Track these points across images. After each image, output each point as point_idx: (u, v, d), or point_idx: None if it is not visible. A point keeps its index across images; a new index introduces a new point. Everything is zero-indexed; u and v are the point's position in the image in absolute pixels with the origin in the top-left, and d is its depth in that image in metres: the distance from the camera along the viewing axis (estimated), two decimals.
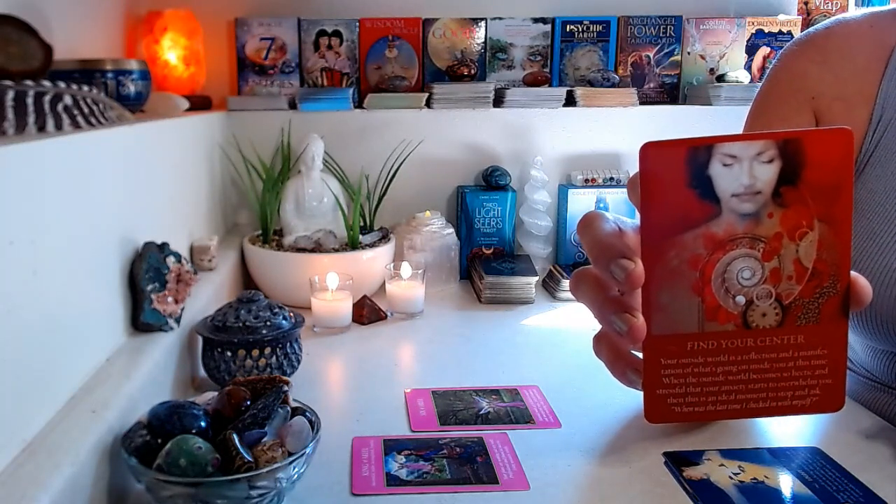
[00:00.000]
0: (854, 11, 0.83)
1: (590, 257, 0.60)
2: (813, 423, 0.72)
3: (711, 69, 1.52)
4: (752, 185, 0.57)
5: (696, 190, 0.57)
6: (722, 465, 0.63)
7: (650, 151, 0.57)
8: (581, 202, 1.36)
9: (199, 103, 1.28)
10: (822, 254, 0.58)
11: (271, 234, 1.22)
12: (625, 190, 0.64)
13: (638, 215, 0.59)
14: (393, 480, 0.62)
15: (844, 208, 0.58)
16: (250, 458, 0.53)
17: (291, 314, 0.86)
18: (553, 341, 1.00)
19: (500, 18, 1.48)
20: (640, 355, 0.62)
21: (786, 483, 0.60)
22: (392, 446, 0.68)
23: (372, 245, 1.20)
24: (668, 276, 0.59)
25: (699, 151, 0.57)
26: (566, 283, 1.18)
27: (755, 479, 0.61)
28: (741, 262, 0.59)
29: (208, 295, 0.93)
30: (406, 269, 1.12)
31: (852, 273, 0.59)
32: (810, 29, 0.83)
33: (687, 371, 0.61)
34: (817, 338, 0.60)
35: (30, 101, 0.59)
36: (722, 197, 0.58)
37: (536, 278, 1.19)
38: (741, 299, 0.60)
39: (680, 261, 0.59)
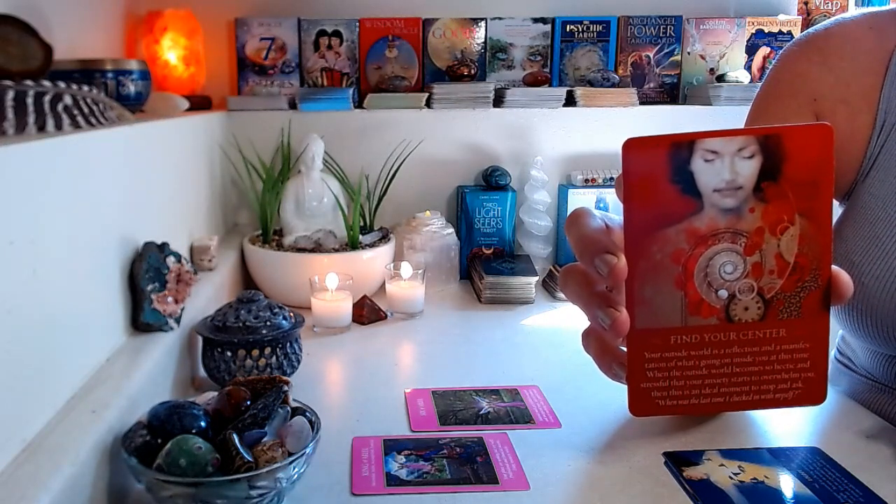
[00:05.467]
0: (853, 12, 0.82)
1: (575, 253, 0.61)
2: (813, 423, 0.72)
3: (711, 69, 1.52)
4: (734, 181, 0.58)
5: (678, 185, 0.58)
6: (722, 464, 0.63)
7: (633, 147, 0.57)
8: (581, 202, 1.36)
9: (199, 103, 1.28)
10: (803, 248, 0.59)
11: (271, 234, 1.22)
12: None
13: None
14: (393, 480, 0.62)
15: (825, 203, 0.58)
16: (250, 458, 0.53)
17: (291, 314, 0.86)
18: (553, 341, 1.00)
19: (500, 18, 1.48)
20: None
21: (786, 483, 0.60)
22: (392, 446, 0.68)
23: (372, 245, 1.20)
24: (651, 270, 0.59)
25: (681, 147, 0.57)
26: None
27: (755, 479, 0.61)
28: (723, 256, 0.60)
29: (208, 295, 0.93)
30: (406, 269, 1.12)
31: (834, 267, 0.60)
32: (809, 30, 0.83)
33: (670, 364, 0.62)
34: (799, 331, 0.61)
35: (30, 101, 0.59)
36: (704, 192, 0.58)
37: (536, 278, 1.19)
38: (723, 293, 0.60)
39: (663, 255, 0.59)
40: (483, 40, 1.48)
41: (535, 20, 1.48)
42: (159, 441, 0.55)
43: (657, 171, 0.58)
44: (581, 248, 0.60)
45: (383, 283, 1.15)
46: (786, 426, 0.70)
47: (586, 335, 0.65)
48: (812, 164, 0.58)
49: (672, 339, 0.61)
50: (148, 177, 0.84)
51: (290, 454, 0.56)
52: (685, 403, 0.63)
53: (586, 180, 1.36)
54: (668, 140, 0.57)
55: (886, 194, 0.73)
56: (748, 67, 1.52)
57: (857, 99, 0.76)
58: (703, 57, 1.52)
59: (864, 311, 0.72)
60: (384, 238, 1.24)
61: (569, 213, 0.63)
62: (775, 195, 0.58)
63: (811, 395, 0.63)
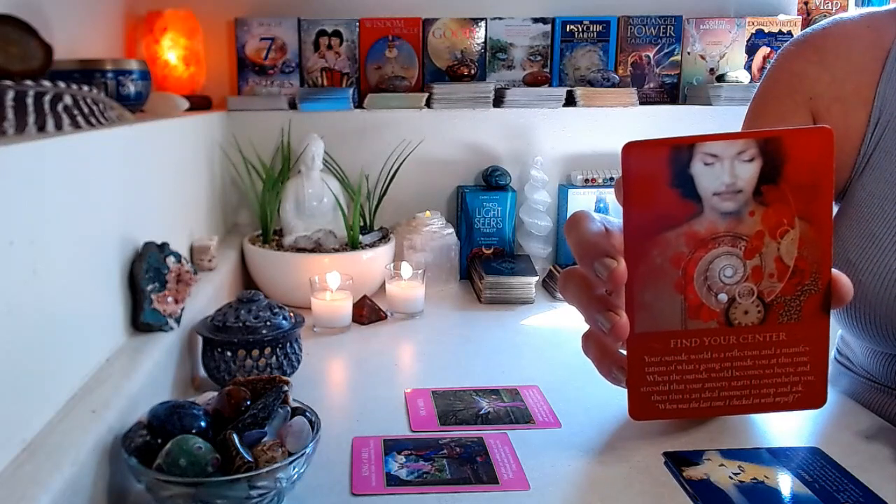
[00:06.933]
0: (852, 12, 0.83)
1: (575, 256, 0.60)
2: (813, 423, 0.72)
3: (711, 69, 1.52)
4: (734, 184, 0.58)
5: (678, 189, 0.58)
6: (722, 465, 0.63)
7: (632, 151, 0.57)
8: (581, 202, 1.36)
9: (199, 103, 1.28)
10: (803, 251, 0.59)
11: (271, 234, 1.22)
12: None
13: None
14: (393, 480, 0.62)
15: (825, 206, 0.58)
16: (250, 458, 0.53)
17: (291, 314, 0.86)
18: (553, 341, 1.00)
19: (500, 18, 1.48)
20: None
21: (786, 483, 0.60)
22: (392, 446, 0.68)
23: (372, 245, 1.20)
24: (651, 274, 0.59)
25: (681, 151, 0.57)
26: None
27: (755, 479, 0.61)
28: (723, 260, 0.59)
29: (208, 295, 0.93)
30: (406, 269, 1.12)
31: (833, 271, 0.60)
32: (807, 29, 0.83)
33: (670, 368, 0.62)
34: (799, 335, 0.61)
35: (30, 101, 0.59)
36: (704, 196, 0.58)
37: (536, 278, 1.19)
38: (723, 297, 0.60)
39: (663, 259, 0.59)
40: (483, 40, 1.48)
41: (535, 20, 1.48)
42: (159, 441, 0.55)
43: (657, 175, 0.58)
44: (581, 251, 0.59)
45: (383, 283, 1.15)
46: (786, 426, 0.70)
47: (586, 338, 0.65)
48: (812, 167, 0.57)
49: (672, 343, 0.61)
50: (148, 177, 0.84)
51: (290, 454, 0.56)
52: (685, 407, 0.63)
53: (586, 180, 1.36)
54: (667, 143, 0.57)
55: (882, 191, 0.73)
56: (748, 67, 1.52)
57: (852, 97, 0.76)
58: (703, 57, 1.51)
59: (861, 309, 0.72)
60: (384, 238, 1.24)
61: (568, 217, 0.63)
62: (775, 198, 0.58)
63: (811, 398, 0.63)
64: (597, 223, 0.61)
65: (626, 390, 0.63)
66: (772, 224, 0.59)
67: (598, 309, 0.59)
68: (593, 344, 0.64)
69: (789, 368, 0.62)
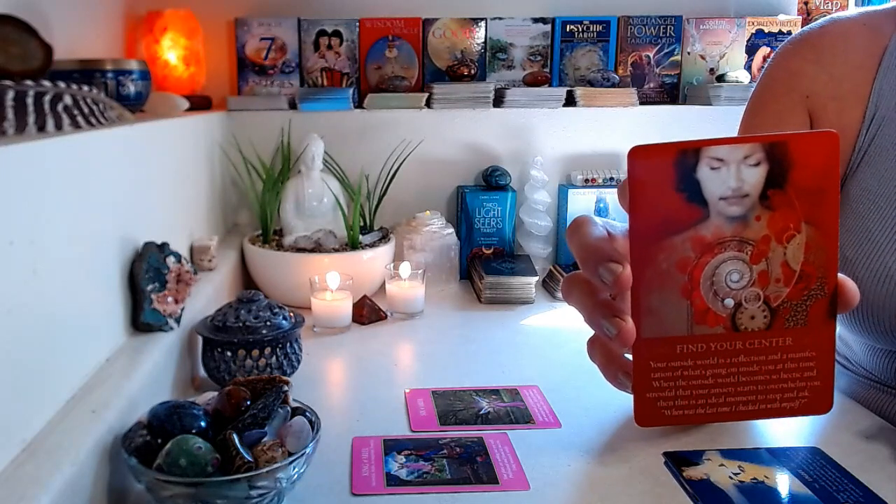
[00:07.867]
0: (849, 11, 0.83)
1: (578, 262, 0.60)
2: (813, 423, 0.72)
3: (711, 69, 1.52)
4: (740, 188, 0.58)
5: (683, 193, 0.58)
6: (722, 465, 0.63)
7: (638, 155, 0.57)
8: (581, 202, 1.36)
9: (199, 103, 1.28)
10: (809, 256, 0.59)
11: (271, 234, 1.22)
12: None
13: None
14: (393, 480, 0.62)
15: (831, 211, 0.58)
16: (250, 458, 0.53)
17: (291, 314, 0.86)
18: (553, 341, 1.00)
19: (500, 18, 1.48)
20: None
21: (786, 483, 0.60)
22: (392, 446, 0.68)
23: (372, 245, 1.20)
24: (657, 279, 0.59)
25: (687, 155, 0.57)
26: None
27: (755, 479, 0.61)
28: (729, 264, 0.59)
29: (208, 295, 0.93)
30: (406, 269, 1.12)
31: (840, 275, 0.59)
32: (804, 28, 0.83)
33: (676, 374, 0.61)
34: (805, 340, 0.61)
35: (30, 101, 0.59)
36: (710, 200, 0.58)
37: (536, 278, 1.19)
38: (730, 302, 0.60)
39: (669, 264, 0.59)
40: (483, 40, 1.48)
41: (535, 20, 1.48)
42: (159, 441, 0.55)
43: (663, 179, 0.57)
44: (584, 256, 0.59)
45: (383, 283, 1.15)
46: (786, 426, 0.70)
47: (591, 344, 0.64)
48: (818, 171, 0.57)
49: (678, 349, 0.61)
50: (148, 177, 0.84)
51: (290, 454, 0.56)
52: (691, 413, 0.62)
53: (586, 180, 1.36)
54: (673, 148, 0.57)
55: (877, 188, 0.73)
56: (748, 67, 1.52)
57: (848, 94, 0.77)
58: (703, 57, 1.52)
59: (860, 306, 0.72)
60: (384, 238, 1.24)
61: (570, 222, 0.62)
62: (781, 203, 0.58)
63: (817, 404, 0.62)
64: (599, 228, 0.60)
65: (630, 394, 0.63)
66: (778, 229, 0.58)
67: (603, 314, 0.58)
68: (599, 349, 0.63)
69: (795, 374, 0.61)
